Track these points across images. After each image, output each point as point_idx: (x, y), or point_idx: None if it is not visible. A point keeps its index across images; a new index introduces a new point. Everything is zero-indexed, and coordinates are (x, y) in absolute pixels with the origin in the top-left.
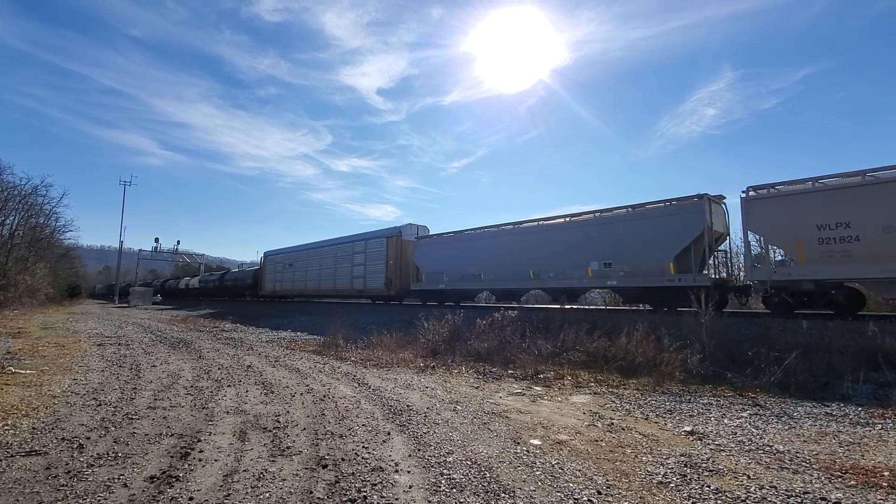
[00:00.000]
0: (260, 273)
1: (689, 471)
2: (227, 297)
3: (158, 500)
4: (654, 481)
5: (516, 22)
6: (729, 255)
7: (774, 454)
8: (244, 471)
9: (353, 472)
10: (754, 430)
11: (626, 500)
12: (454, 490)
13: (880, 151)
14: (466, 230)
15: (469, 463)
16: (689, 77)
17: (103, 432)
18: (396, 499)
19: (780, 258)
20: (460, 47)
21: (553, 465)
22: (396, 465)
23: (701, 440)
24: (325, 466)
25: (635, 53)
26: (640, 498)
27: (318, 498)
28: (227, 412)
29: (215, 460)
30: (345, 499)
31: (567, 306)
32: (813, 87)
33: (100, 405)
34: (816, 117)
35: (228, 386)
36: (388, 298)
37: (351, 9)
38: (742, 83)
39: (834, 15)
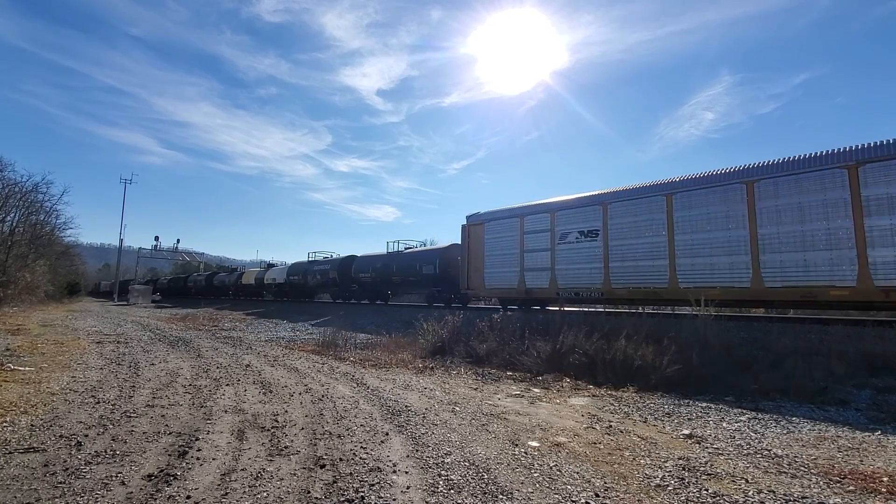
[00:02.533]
0: (463, 254)
1: (687, 474)
2: (356, 299)
3: (156, 499)
4: (652, 484)
5: (516, 24)
6: None
7: (773, 458)
8: (242, 470)
9: (350, 473)
10: (753, 434)
11: (623, 503)
12: (452, 491)
13: None
14: None
15: (467, 464)
16: (688, 81)
17: (101, 430)
18: (394, 499)
19: None
20: (460, 49)
21: (551, 467)
22: (394, 465)
23: (699, 444)
24: (322, 466)
25: (634, 56)
26: (638, 501)
27: (316, 498)
28: (226, 411)
29: (213, 459)
30: (342, 499)
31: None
32: (811, 92)
33: (98, 403)
34: (815, 122)
35: (227, 385)
36: None
37: (351, 10)
38: (740, 87)
39: (831, 20)
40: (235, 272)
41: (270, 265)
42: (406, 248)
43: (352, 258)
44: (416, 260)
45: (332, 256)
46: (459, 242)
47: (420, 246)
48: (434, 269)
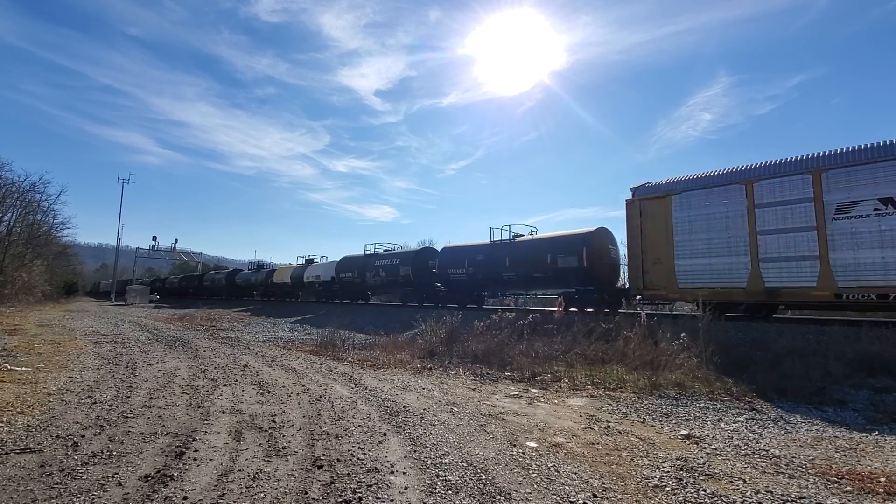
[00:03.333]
0: (633, 241)
1: (685, 475)
2: (437, 302)
3: (153, 499)
4: (650, 485)
5: (515, 24)
6: None
7: (770, 459)
8: (239, 470)
9: (348, 473)
10: (750, 435)
11: (622, 503)
12: (450, 492)
13: None
14: None
15: (465, 465)
16: (686, 82)
17: (98, 430)
18: (392, 500)
19: None
20: (458, 50)
21: (549, 468)
22: (392, 466)
23: (697, 444)
24: (320, 467)
25: (632, 57)
26: (636, 501)
27: (313, 498)
28: (223, 412)
29: (210, 460)
30: (340, 500)
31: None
32: (808, 94)
33: (95, 403)
34: (812, 123)
35: (224, 385)
36: None
37: (349, 10)
38: (738, 89)
39: (828, 22)
40: (263, 269)
41: (309, 260)
42: (516, 237)
43: (429, 250)
44: (547, 249)
45: (396, 249)
46: (605, 226)
47: (533, 234)
48: (578, 260)
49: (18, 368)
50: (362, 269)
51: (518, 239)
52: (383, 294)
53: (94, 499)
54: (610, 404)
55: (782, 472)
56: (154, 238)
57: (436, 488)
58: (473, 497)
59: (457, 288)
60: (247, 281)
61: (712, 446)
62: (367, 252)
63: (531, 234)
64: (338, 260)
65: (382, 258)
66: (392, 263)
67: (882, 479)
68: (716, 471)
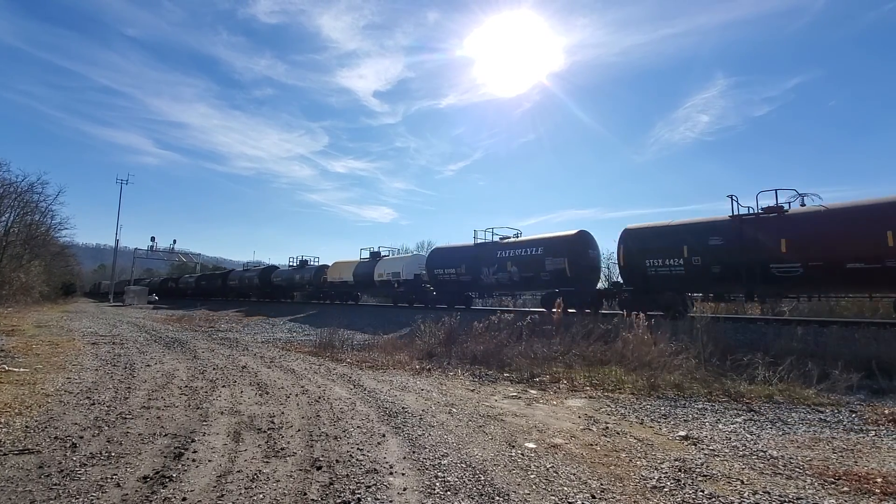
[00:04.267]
0: None
1: (683, 475)
2: (618, 307)
3: (151, 501)
4: (648, 486)
5: (513, 26)
6: None
7: (768, 460)
8: (238, 472)
9: (347, 474)
10: (748, 436)
11: None
12: (448, 493)
13: (870, 159)
14: None
15: (464, 466)
16: (683, 83)
17: (96, 431)
18: (391, 501)
19: None
20: (457, 51)
21: (548, 469)
22: (391, 467)
23: (695, 445)
24: (319, 468)
25: (630, 59)
26: (635, 502)
27: (312, 499)
28: (222, 412)
29: (209, 461)
30: (339, 500)
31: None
32: (805, 96)
33: (93, 404)
34: (809, 124)
35: (223, 386)
36: None
37: (347, 12)
38: (735, 90)
39: (824, 25)
40: (308, 266)
41: (376, 254)
42: (775, 210)
43: (586, 236)
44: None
45: (515, 237)
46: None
47: (804, 203)
48: None
49: (16, 369)
50: (474, 263)
51: (808, 208)
52: (503, 296)
53: (92, 500)
54: (608, 405)
55: (780, 473)
56: (152, 238)
57: (434, 489)
58: (472, 498)
59: (660, 287)
60: (288, 280)
61: (710, 447)
62: (479, 241)
63: (804, 205)
64: (423, 253)
65: (512, 247)
66: (531, 254)
67: (879, 480)
68: (714, 472)
